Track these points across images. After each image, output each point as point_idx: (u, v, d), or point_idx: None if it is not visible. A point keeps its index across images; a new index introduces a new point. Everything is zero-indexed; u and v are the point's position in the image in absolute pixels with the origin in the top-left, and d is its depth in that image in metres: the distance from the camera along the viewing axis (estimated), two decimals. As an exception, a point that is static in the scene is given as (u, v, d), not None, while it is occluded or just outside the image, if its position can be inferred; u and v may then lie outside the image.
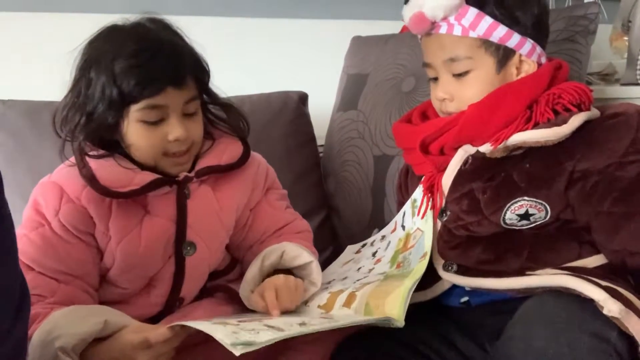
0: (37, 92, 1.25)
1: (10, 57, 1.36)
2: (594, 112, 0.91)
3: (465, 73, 0.94)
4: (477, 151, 0.93)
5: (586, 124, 0.88)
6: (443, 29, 0.94)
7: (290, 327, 0.78)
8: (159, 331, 0.80)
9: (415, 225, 0.99)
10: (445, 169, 0.95)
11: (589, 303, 0.78)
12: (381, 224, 1.31)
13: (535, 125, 0.90)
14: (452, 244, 0.94)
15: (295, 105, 1.41)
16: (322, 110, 1.49)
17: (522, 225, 0.90)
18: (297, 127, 1.40)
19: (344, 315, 0.87)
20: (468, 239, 0.93)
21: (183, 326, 0.79)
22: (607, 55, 1.66)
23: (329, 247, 1.38)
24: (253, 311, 0.99)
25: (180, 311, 0.98)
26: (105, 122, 0.90)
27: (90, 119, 0.91)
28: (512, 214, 0.89)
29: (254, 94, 1.39)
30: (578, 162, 0.87)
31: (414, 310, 0.85)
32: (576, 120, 0.88)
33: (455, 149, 0.95)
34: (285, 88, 1.44)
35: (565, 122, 0.88)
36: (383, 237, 1.08)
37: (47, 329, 0.80)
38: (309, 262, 0.97)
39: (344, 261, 1.10)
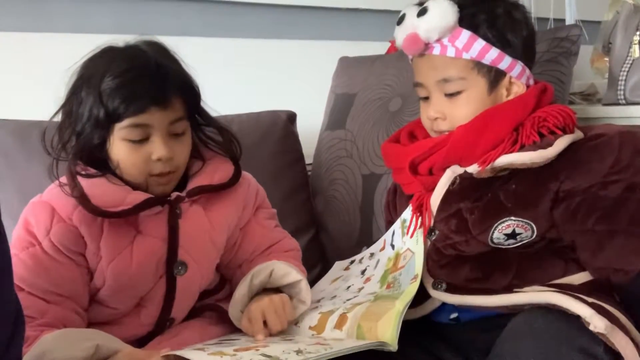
0: (25, 111, 1.25)
1: (-2, 76, 1.36)
2: (578, 134, 0.93)
3: (458, 93, 0.96)
4: (465, 172, 0.94)
5: (570, 146, 0.90)
6: (436, 50, 0.95)
7: (288, 355, 0.78)
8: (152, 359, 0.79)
9: (405, 245, 1.00)
10: (433, 189, 0.96)
11: (576, 319, 0.79)
12: (369, 242, 1.32)
13: (522, 148, 0.91)
14: (441, 262, 0.95)
15: (284, 124, 1.42)
16: (310, 129, 1.50)
17: (509, 245, 0.91)
18: (285, 146, 1.41)
19: (337, 341, 0.86)
20: (456, 257, 0.94)
21: (176, 355, 0.79)
22: (588, 76, 1.70)
23: (318, 265, 1.38)
24: (242, 331, 0.99)
25: (170, 331, 0.97)
26: (92, 141, 0.91)
27: (79, 138, 0.92)
28: (499, 233, 0.90)
29: (243, 113, 1.39)
30: (562, 183, 0.89)
31: (403, 328, 0.85)
32: (561, 143, 0.90)
33: (444, 170, 0.96)
34: (274, 107, 1.44)
35: (550, 144, 0.90)
36: (372, 254, 1.09)
37: (38, 352, 0.79)
38: (298, 280, 0.97)
39: (332, 278, 1.10)
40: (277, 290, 0.99)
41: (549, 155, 0.89)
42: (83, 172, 0.93)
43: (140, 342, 0.95)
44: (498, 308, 0.89)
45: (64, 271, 0.90)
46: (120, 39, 0.96)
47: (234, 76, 1.56)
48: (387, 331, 0.83)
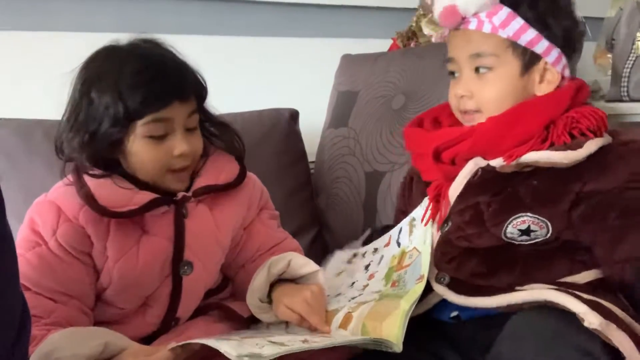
0: (28, 110, 1.25)
1: (1, 75, 1.36)
2: (607, 139, 0.91)
3: (488, 70, 0.93)
4: (488, 165, 0.92)
5: (598, 149, 0.88)
6: (473, 24, 0.93)
7: (294, 342, 0.78)
8: (160, 354, 0.79)
9: (411, 244, 0.99)
10: (453, 178, 0.94)
11: (574, 317, 0.79)
12: (372, 240, 1.32)
13: (551, 146, 0.89)
14: (449, 255, 0.93)
15: (287, 122, 1.42)
16: (312, 127, 1.50)
17: (522, 241, 0.90)
18: (288, 145, 1.41)
19: (343, 336, 0.87)
20: (465, 250, 0.93)
21: (183, 347, 0.79)
22: (591, 73, 1.70)
23: (321, 263, 1.37)
24: (248, 329, 0.99)
25: (176, 330, 0.97)
26: (109, 140, 0.91)
27: (93, 138, 0.91)
28: (513, 228, 0.89)
29: (245, 112, 1.39)
30: (585, 185, 0.87)
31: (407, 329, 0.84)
32: (591, 146, 0.87)
33: (467, 160, 0.93)
34: (276, 105, 1.44)
35: (580, 146, 0.87)
36: (375, 249, 1.08)
37: (46, 351, 0.79)
38: (315, 270, 0.97)
39: (335, 271, 1.09)
40: (292, 281, 0.98)
41: (578, 157, 0.87)
42: (90, 172, 0.92)
43: (145, 341, 0.95)
44: (498, 307, 0.88)
45: (71, 271, 0.90)
46: (121, 38, 0.96)
47: (236, 74, 1.56)
48: (392, 331, 0.83)
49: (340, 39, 1.70)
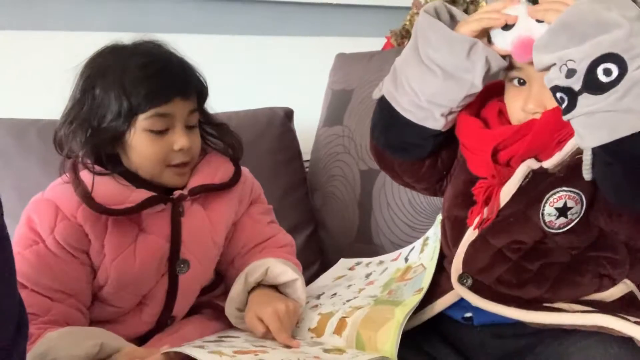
0: (21, 109, 1.25)
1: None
2: None
3: None
4: (541, 167, 0.87)
5: None
6: None
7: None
8: (153, 358, 0.79)
9: (419, 260, 0.98)
10: (504, 181, 0.89)
11: (626, 343, 0.78)
12: (368, 238, 1.33)
13: None
14: (479, 255, 0.89)
15: (281, 121, 1.42)
16: (307, 125, 1.50)
17: (560, 227, 0.86)
18: (283, 143, 1.41)
19: (336, 356, 0.84)
20: (498, 254, 0.89)
21: (176, 352, 0.79)
22: None
23: (316, 262, 1.38)
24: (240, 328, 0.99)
25: (171, 328, 0.98)
26: (111, 134, 0.91)
27: (95, 133, 0.92)
28: (550, 207, 0.85)
29: (240, 111, 1.40)
30: None
31: (404, 333, 0.84)
32: None
33: (522, 161, 0.88)
34: (271, 104, 1.45)
35: None
36: (381, 262, 1.08)
37: (42, 350, 0.79)
38: (293, 279, 0.97)
39: (335, 276, 1.10)
40: (272, 287, 0.98)
41: None
42: (90, 169, 0.92)
43: (141, 340, 0.95)
44: (533, 323, 0.85)
45: (68, 269, 0.90)
46: (118, 37, 0.96)
47: (230, 73, 1.55)
48: (386, 342, 0.82)
49: (334, 37, 1.70)
